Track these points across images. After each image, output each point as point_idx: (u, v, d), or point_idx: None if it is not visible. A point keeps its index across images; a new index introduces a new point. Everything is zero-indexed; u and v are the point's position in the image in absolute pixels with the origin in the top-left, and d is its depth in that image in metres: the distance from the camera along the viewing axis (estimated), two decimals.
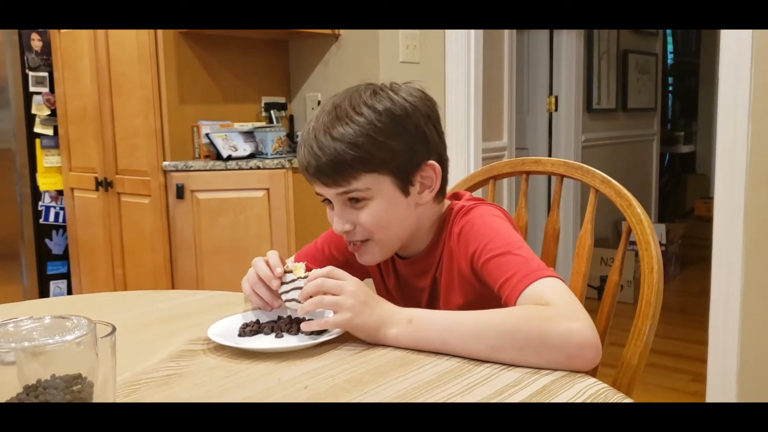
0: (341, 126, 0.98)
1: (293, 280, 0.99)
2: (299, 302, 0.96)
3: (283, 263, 1.03)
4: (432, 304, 1.12)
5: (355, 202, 1.02)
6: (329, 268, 0.96)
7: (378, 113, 0.99)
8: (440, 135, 1.07)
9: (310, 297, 0.94)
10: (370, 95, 1.01)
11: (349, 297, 0.92)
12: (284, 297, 1.00)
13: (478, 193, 1.35)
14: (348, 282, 0.94)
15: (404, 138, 1.01)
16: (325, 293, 0.94)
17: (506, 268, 0.95)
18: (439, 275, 1.09)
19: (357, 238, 1.05)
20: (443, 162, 1.07)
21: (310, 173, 1.02)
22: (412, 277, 1.14)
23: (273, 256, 1.04)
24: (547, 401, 0.75)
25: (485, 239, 1.00)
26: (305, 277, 0.98)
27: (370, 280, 1.20)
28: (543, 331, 0.84)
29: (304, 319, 1.00)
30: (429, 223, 1.09)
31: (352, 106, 0.99)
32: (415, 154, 1.03)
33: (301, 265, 1.01)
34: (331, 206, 1.06)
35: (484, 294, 1.00)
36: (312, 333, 0.96)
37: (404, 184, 1.03)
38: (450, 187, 1.39)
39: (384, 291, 1.19)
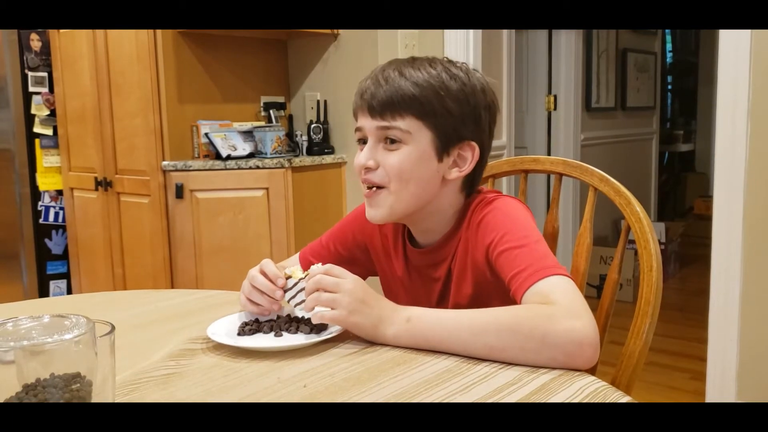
0: (413, 70, 1.02)
1: (295, 284, 0.99)
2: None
3: (280, 269, 1.03)
4: (445, 294, 1.11)
5: (389, 143, 1.02)
6: (328, 266, 0.96)
7: (450, 75, 1.02)
8: (491, 131, 1.09)
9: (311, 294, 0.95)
10: (448, 62, 1.05)
11: (345, 295, 0.92)
12: (292, 303, 1.00)
13: None
14: (346, 280, 0.93)
15: (462, 106, 1.03)
16: (323, 290, 0.94)
17: (519, 261, 0.95)
18: (454, 265, 1.09)
19: (375, 180, 1.04)
20: (483, 152, 1.08)
21: (363, 98, 1.03)
22: (426, 267, 1.12)
23: (269, 266, 1.03)
24: (546, 399, 0.75)
25: (503, 230, 1.00)
26: (305, 276, 0.98)
27: (373, 279, 1.20)
28: (543, 329, 0.84)
29: (303, 318, 1.00)
30: (450, 210, 1.09)
31: (430, 62, 1.03)
32: (464, 126, 1.04)
33: (298, 268, 1.01)
34: (363, 146, 1.06)
35: (495, 284, 1.00)
36: (312, 331, 0.96)
37: (442, 148, 1.03)
38: None
39: (391, 278, 1.18)
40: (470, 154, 1.05)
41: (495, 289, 1.00)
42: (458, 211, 1.09)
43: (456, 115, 1.02)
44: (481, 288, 1.05)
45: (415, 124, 1.01)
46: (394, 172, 1.02)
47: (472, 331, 0.87)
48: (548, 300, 0.88)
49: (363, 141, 1.06)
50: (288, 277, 1.00)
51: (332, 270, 0.95)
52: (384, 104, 1.01)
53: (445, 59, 1.06)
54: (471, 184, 1.09)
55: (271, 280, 1.01)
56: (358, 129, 1.06)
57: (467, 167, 1.06)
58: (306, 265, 1.17)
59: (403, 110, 1.01)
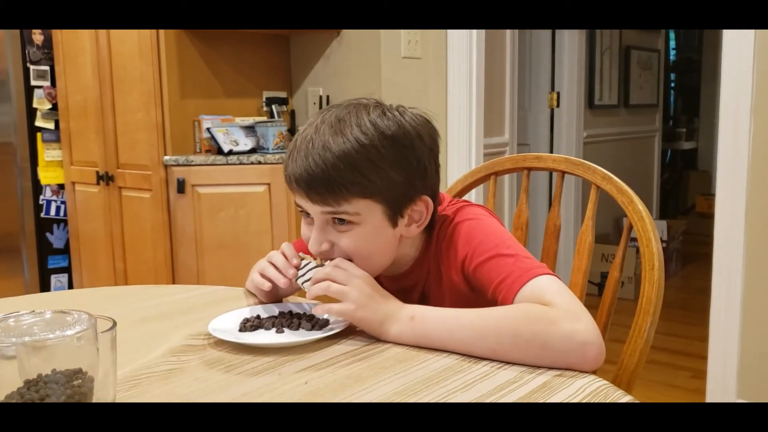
0: (343, 142, 0.91)
1: (307, 264, 1.00)
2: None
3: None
4: None
5: (339, 223, 0.97)
6: (338, 259, 0.96)
7: (384, 137, 0.93)
8: (437, 170, 1.02)
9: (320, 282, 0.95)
10: (379, 115, 0.95)
11: (355, 289, 0.92)
12: (300, 281, 1.00)
13: (479, 190, 1.35)
14: (357, 274, 0.93)
15: (405, 169, 0.95)
16: (333, 281, 0.93)
17: (499, 270, 0.93)
18: (428, 289, 1.07)
19: (334, 257, 0.98)
20: (435, 196, 1.02)
21: (297, 185, 0.95)
22: (398, 293, 1.07)
23: (289, 248, 1.02)
24: (546, 398, 0.75)
25: (473, 243, 0.98)
26: (320, 265, 0.98)
27: None
28: (545, 334, 0.83)
29: (304, 315, 1.00)
30: (413, 249, 1.06)
31: (358, 124, 0.93)
32: (412, 188, 0.97)
33: (309, 258, 1.02)
34: (309, 220, 1.00)
35: (476, 303, 0.97)
36: (313, 328, 0.96)
37: (394, 215, 0.98)
38: (451, 183, 1.40)
39: None
40: (424, 208, 1.00)
41: (474, 306, 0.96)
42: (422, 240, 1.06)
43: (402, 181, 0.95)
44: (460, 307, 1.01)
45: (362, 203, 0.94)
46: (351, 252, 0.97)
47: (474, 334, 0.86)
48: (543, 301, 0.87)
49: (306, 213, 0.99)
50: (302, 259, 1.01)
51: (342, 263, 0.95)
52: (323, 191, 0.92)
53: (376, 110, 0.95)
54: (430, 223, 1.03)
55: (287, 259, 1.01)
56: (298, 205, 0.99)
57: (424, 220, 1.01)
58: None
59: (347, 194, 0.92)
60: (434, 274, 1.05)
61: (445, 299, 1.04)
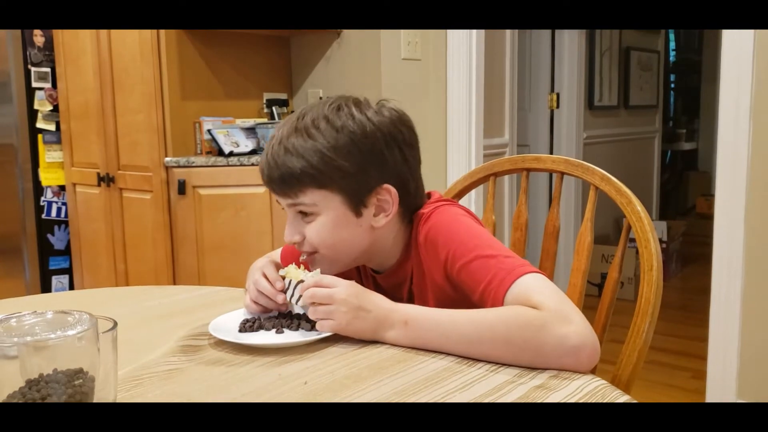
0: (296, 138, 0.98)
1: (290, 282, 1.00)
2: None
3: (277, 269, 1.04)
4: None
5: (304, 215, 1.01)
6: (318, 277, 0.96)
7: (334, 129, 0.97)
8: (406, 158, 1.03)
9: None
10: (333, 110, 0.99)
11: (341, 305, 0.92)
12: (293, 301, 1.01)
13: (479, 190, 1.36)
14: (338, 289, 0.93)
15: (356, 158, 0.98)
16: (318, 303, 0.94)
17: (483, 273, 0.92)
18: (414, 287, 1.07)
19: (305, 250, 1.03)
20: (405, 186, 1.03)
21: (263, 180, 1.02)
22: (390, 289, 1.11)
23: (270, 269, 1.03)
24: (544, 398, 0.75)
25: (452, 244, 0.97)
26: (301, 281, 0.98)
27: None
28: (536, 340, 0.83)
29: (304, 315, 1.01)
30: (396, 242, 1.06)
31: (312, 119, 0.98)
32: (368, 177, 1.00)
33: (292, 267, 1.01)
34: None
35: (459, 301, 0.97)
36: (312, 329, 0.96)
37: (356, 205, 1.00)
38: (451, 184, 1.40)
39: None
40: (389, 196, 1.01)
41: (457, 303, 0.96)
42: (405, 236, 1.07)
43: (354, 170, 0.98)
44: (444, 303, 1.00)
45: (318, 194, 0.98)
46: (316, 242, 1.01)
47: (468, 339, 0.87)
48: (531, 303, 0.86)
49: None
50: (283, 278, 1.01)
51: (322, 281, 0.95)
52: (280, 184, 0.99)
53: (332, 106, 1.00)
54: (408, 211, 1.06)
55: (270, 283, 1.02)
56: (277, 200, 1.05)
57: (391, 209, 1.02)
58: (287, 263, 1.17)
59: (301, 185, 0.98)
60: (417, 272, 1.06)
61: (429, 298, 1.04)
